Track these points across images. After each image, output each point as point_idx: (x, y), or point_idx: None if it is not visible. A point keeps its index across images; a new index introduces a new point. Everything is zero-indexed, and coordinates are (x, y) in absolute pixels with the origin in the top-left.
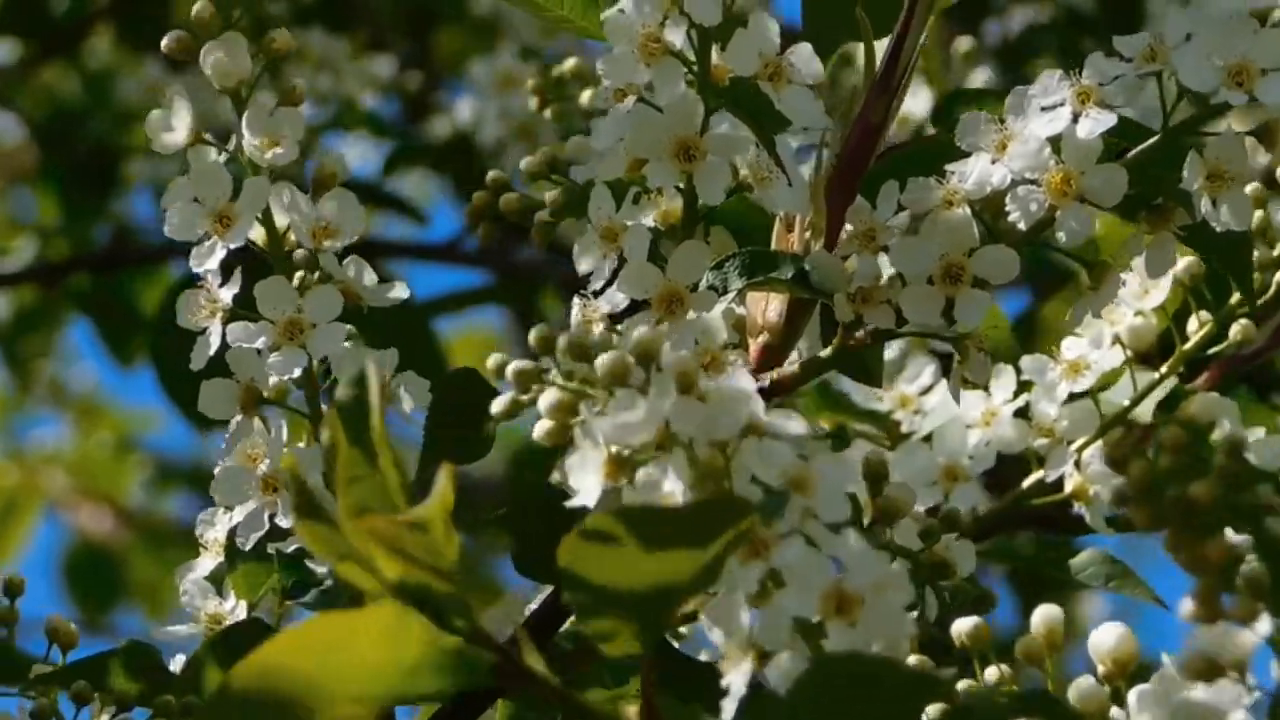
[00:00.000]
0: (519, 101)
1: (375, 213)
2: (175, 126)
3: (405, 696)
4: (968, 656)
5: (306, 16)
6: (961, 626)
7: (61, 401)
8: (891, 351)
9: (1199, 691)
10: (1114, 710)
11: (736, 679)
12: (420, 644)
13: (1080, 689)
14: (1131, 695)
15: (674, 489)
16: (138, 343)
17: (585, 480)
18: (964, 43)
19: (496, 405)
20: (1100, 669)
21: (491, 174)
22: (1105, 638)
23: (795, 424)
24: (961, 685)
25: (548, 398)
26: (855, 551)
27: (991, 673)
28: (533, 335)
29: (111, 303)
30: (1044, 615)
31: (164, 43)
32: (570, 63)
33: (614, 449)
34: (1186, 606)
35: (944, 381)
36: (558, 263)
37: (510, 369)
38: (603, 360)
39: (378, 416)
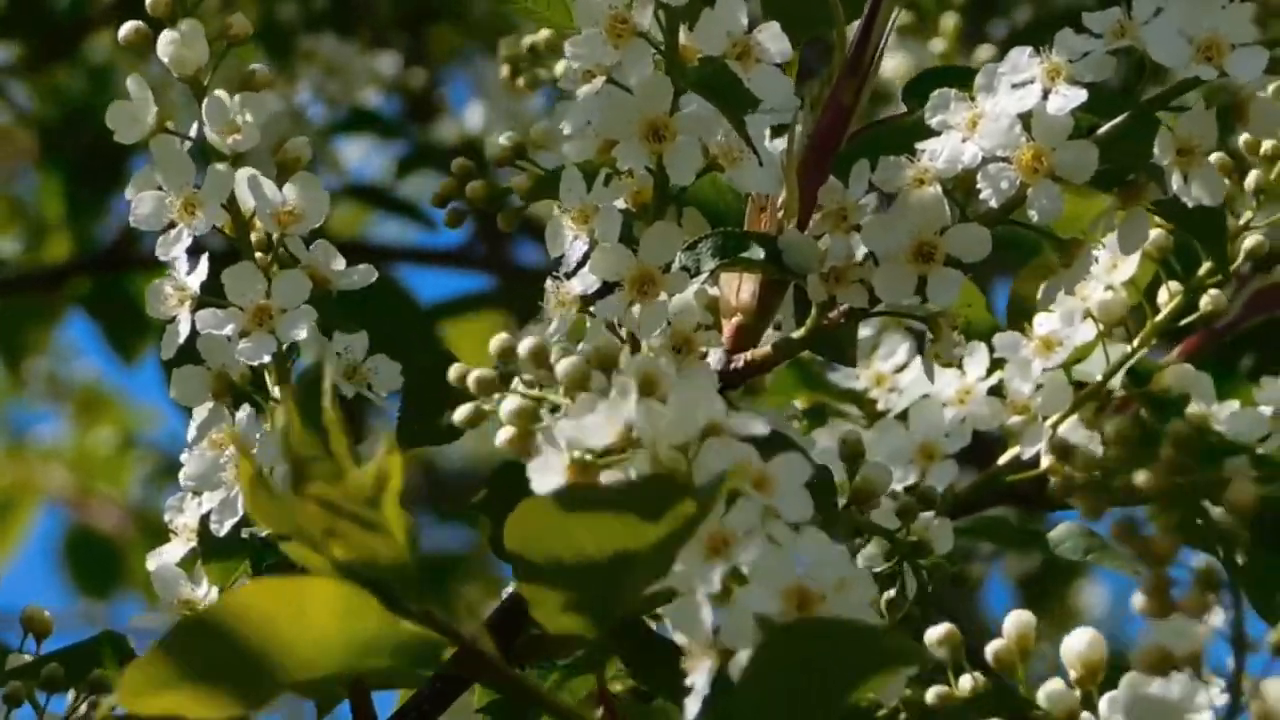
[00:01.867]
0: (528, 105)
1: (382, 217)
2: (138, 116)
3: (357, 671)
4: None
5: (317, 20)
6: (934, 634)
7: (62, 397)
8: (866, 329)
9: (1156, 686)
10: (1085, 715)
11: (700, 678)
12: (372, 623)
13: (1050, 692)
14: (1103, 702)
15: None
16: (142, 340)
17: (548, 484)
18: (984, 51)
19: (459, 414)
20: (1071, 674)
21: (457, 160)
22: (1075, 642)
23: (756, 424)
24: (933, 692)
25: (509, 404)
26: (817, 549)
27: (965, 680)
28: (493, 345)
29: (115, 300)
30: (1015, 621)
31: (120, 33)
32: (544, 34)
33: (576, 453)
34: (1138, 599)
35: (919, 359)
36: None
37: (471, 378)
38: (563, 366)
39: (330, 399)
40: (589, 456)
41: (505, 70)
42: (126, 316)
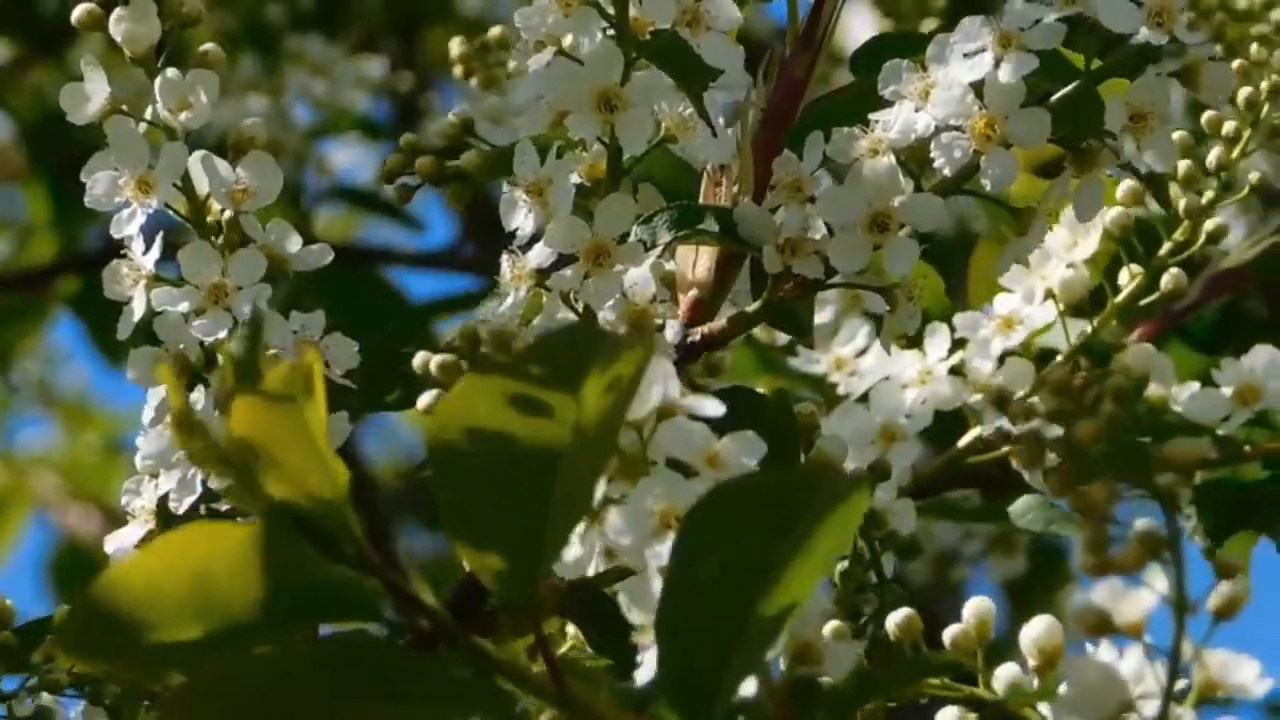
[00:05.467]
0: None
1: (374, 223)
2: (91, 97)
3: (297, 622)
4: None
5: (304, 21)
6: (894, 619)
7: (50, 403)
8: (826, 314)
9: (1092, 655)
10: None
11: (651, 653)
12: (305, 571)
13: (1004, 678)
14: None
15: None
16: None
17: None
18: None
19: (423, 400)
20: (1030, 661)
21: (405, 137)
22: (1033, 629)
23: (710, 404)
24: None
25: None
26: None
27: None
28: (455, 330)
29: (101, 302)
30: (975, 608)
31: (74, 16)
32: (495, 31)
33: None
34: (1079, 556)
35: (878, 342)
36: None
37: (433, 363)
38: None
39: (260, 340)
40: None
41: (459, 70)
42: (113, 317)
